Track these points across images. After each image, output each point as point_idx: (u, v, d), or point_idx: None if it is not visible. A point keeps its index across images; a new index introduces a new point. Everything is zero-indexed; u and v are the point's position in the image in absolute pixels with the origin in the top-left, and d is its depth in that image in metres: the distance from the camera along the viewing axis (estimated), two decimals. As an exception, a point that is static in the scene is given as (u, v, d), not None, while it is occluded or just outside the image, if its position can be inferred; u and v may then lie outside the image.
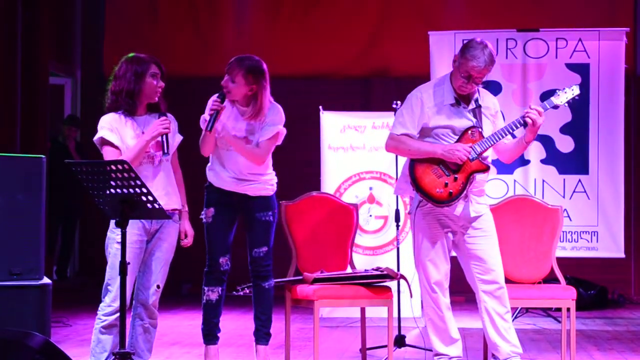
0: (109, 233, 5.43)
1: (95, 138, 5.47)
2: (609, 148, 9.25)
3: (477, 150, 5.78)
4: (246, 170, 5.99)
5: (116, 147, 5.41)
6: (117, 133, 5.42)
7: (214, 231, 6.02)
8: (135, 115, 5.49)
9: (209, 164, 6.12)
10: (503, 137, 5.84)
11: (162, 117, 5.45)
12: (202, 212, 6.07)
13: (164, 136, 5.42)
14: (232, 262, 6.12)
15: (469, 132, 5.83)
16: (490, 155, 5.97)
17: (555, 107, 5.95)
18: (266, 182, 6.08)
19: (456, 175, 5.79)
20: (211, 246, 6.05)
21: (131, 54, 5.57)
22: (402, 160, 7.86)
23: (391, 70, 11.82)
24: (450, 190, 5.77)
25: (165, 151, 5.44)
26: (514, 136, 5.99)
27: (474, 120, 5.86)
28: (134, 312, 5.56)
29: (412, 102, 5.89)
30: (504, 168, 9.03)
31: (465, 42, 5.89)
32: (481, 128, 5.86)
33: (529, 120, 5.76)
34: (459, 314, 8.65)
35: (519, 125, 5.83)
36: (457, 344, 5.97)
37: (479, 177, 5.86)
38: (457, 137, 5.84)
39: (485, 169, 5.86)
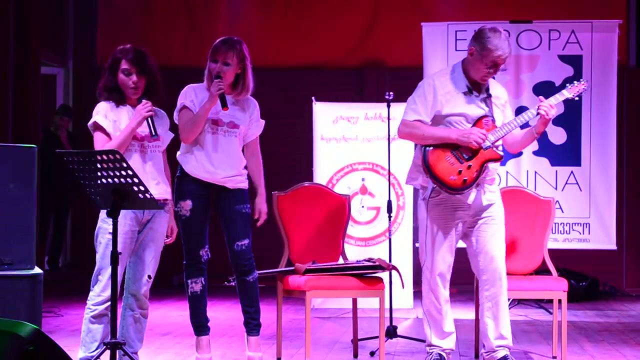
0: (100, 223, 5.41)
1: (89, 123, 5.47)
2: (601, 140, 9.26)
3: (490, 139, 5.76)
4: (234, 156, 5.96)
5: (107, 134, 5.40)
6: (112, 120, 5.42)
7: (193, 225, 5.87)
8: (126, 104, 5.49)
9: (184, 152, 5.95)
10: (516, 126, 5.82)
11: (143, 101, 5.43)
12: (177, 204, 5.90)
13: (150, 120, 5.40)
14: (218, 253, 6.08)
15: (482, 120, 5.81)
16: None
17: (566, 99, 5.95)
18: (244, 175, 6.05)
19: (470, 163, 5.74)
20: (190, 240, 5.93)
21: (119, 47, 5.57)
22: (395, 152, 7.85)
23: (384, 61, 11.82)
24: (465, 178, 5.73)
25: (153, 133, 5.40)
26: (522, 127, 5.98)
27: (486, 109, 5.85)
28: (124, 302, 5.54)
29: (425, 89, 5.86)
30: (497, 159, 9.02)
31: (476, 31, 5.81)
32: (493, 117, 5.86)
33: (542, 112, 5.74)
34: (451, 305, 8.67)
35: (532, 116, 5.81)
36: (451, 336, 5.96)
37: (491, 165, 5.84)
38: (470, 125, 5.82)
39: (499, 158, 5.82)
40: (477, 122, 5.80)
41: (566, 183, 9.28)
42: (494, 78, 6.02)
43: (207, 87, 5.94)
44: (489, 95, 5.88)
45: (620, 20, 9.49)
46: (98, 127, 5.42)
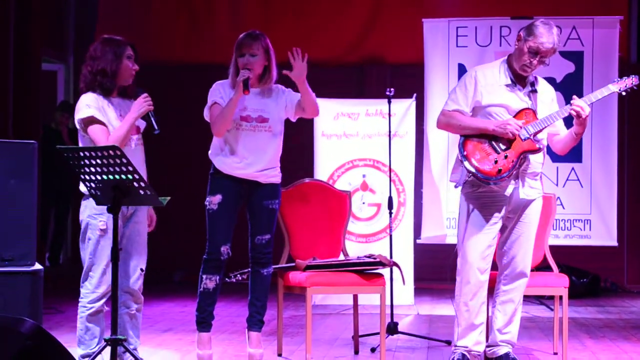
0: (87, 219, 5.35)
1: (83, 117, 5.33)
2: (602, 136, 9.24)
3: (529, 130, 5.71)
4: (265, 150, 5.98)
5: (106, 126, 5.36)
6: (103, 112, 5.38)
7: (218, 219, 5.95)
8: (110, 97, 5.45)
9: (215, 150, 6.02)
10: (555, 120, 5.76)
11: (144, 95, 5.40)
12: (207, 199, 5.99)
13: (151, 114, 5.38)
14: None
15: (524, 112, 5.77)
16: (544, 137, 5.89)
17: (611, 93, 5.87)
18: (276, 168, 6.08)
19: (506, 154, 5.70)
20: (214, 234, 5.98)
21: (106, 36, 5.57)
22: (396, 148, 7.83)
23: (385, 58, 11.80)
24: (500, 168, 5.68)
25: (155, 128, 5.37)
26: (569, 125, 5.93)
27: (529, 102, 5.82)
28: (119, 300, 5.50)
29: (466, 80, 5.86)
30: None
31: (531, 23, 5.79)
32: (536, 110, 5.82)
33: (573, 113, 5.69)
34: (450, 302, 8.66)
35: (563, 115, 5.76)
36: (476, 337, 5.84)
37: (532, 158, 5.79)
38: (511, 117, 5.78)
39: (537, 150, 5.75)
40: (518, 113, 5.77)
41: (567, 179, 9.27)
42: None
43: (231, 84, 5.98)
44: (534, 91, 5.85)
45: (621, 16, 9.47)
46: (96, 120, 5.33)
